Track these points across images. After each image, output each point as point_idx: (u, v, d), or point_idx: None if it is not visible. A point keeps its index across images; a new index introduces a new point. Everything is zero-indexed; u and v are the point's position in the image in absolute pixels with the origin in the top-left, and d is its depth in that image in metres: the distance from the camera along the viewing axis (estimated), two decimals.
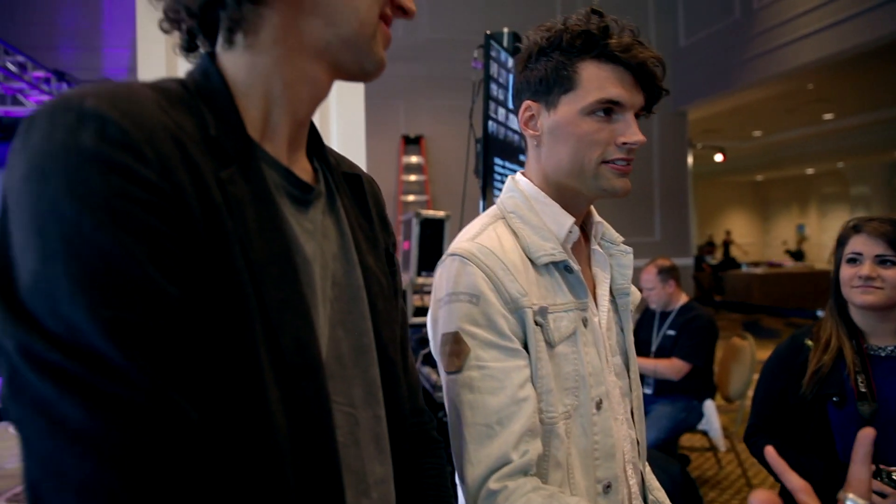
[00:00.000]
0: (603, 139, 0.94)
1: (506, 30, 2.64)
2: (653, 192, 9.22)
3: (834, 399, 1.40)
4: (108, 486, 0.41)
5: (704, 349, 3.23)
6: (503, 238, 0.96)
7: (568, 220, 0.98)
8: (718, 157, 11.70)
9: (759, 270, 10.46)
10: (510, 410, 0.86)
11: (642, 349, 3.41)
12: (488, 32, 2.30)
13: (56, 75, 5.19)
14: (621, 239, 1.11)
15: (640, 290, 3.45)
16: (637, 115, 0.98)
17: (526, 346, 0.90)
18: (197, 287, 0.47)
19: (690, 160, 9.87)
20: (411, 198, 7.83)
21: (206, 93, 0.56)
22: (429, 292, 3.77)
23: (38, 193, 0.42)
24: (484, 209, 2.50)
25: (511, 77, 2.41)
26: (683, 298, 3.40)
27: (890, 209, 15.96)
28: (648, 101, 0.98)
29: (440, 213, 3.39)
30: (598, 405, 0.96)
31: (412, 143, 7.93)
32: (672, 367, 3.19)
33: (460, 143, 2.47)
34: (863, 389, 1.38)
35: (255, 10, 0.57)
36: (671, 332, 3.29)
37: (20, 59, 4.82)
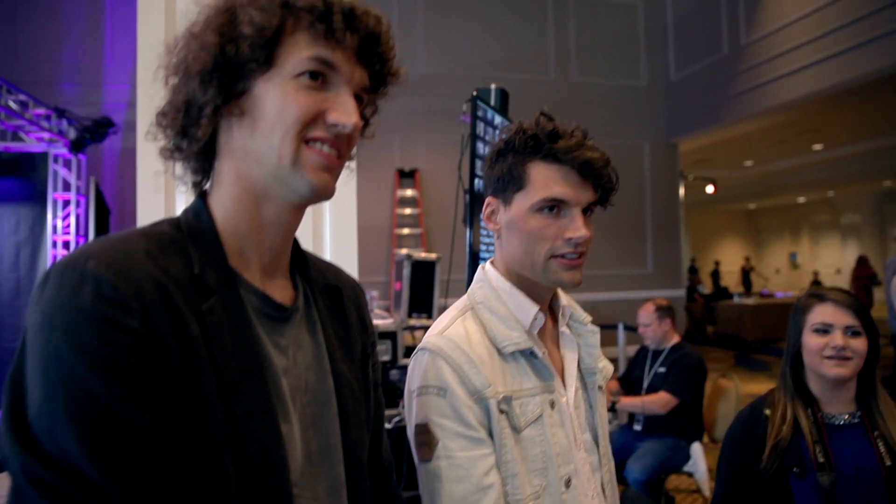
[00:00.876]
0: (550, 235, 1.00)
1: (493, 86, 2.73)
2: (645, 224, 9.32)
3: (795, 470, 1.41)
4: None
5: (692, 386, 3.28)
6: (470, 330, 1.02)
7: (533, 309, 1.04)
8: (710, 189, 11.83)
9: (750, 301, 10.51)
10: (475, 497, 0.92)
11: (635, 387, 3.46)
12: (475, 93, 2.39)
13: (57, 112, 5.28)
14: (588, 319, 1.15)
15: (637, 326, 3.53)
16: (589, 209, 1.03)
17: (491, 434, 0.96)
18: (170, 410, 0.58)
19: (682, 192, 10.00)
20: (406, 231, 7.91)
21: (196, 232, 0.68)
22: (420, 328, 3.83)
23: (46, 342, 0.55)
24: (471, 255, 2.56)
25: (497, 134, 2.50)
26: (676, 338, 3.47)
27: (880, 237, 16.11)
28: (601, 196, 1.03)
29: (431, 256, 3.47)
30: (568, 483, 1.01)
31: (407, 176, 8.03)
32: (659, 401, 3.23)
33: (455, 176, 2.54)
34: (821, 460, 1.39)
35: (209, 162, 0.71)
36: (662, 370, 3.35)
37: (22, 97, 4.91)
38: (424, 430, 0.95)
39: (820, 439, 1.43)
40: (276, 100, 0.66)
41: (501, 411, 0.96)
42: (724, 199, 16.70)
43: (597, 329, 1.15)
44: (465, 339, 1.00)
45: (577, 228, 0.99)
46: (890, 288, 4.91)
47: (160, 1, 2.89)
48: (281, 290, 0.74)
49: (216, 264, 0.66)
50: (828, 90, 6.71)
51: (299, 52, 0.66)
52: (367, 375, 0.85)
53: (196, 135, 0.68)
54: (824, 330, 1.46)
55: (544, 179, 1.00)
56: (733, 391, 3.60)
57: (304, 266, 0.80)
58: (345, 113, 0.67)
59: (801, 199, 18.07)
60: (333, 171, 0.70)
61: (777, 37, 7.29)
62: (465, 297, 1.11)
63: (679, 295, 9.67)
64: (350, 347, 0.81)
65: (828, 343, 1.43)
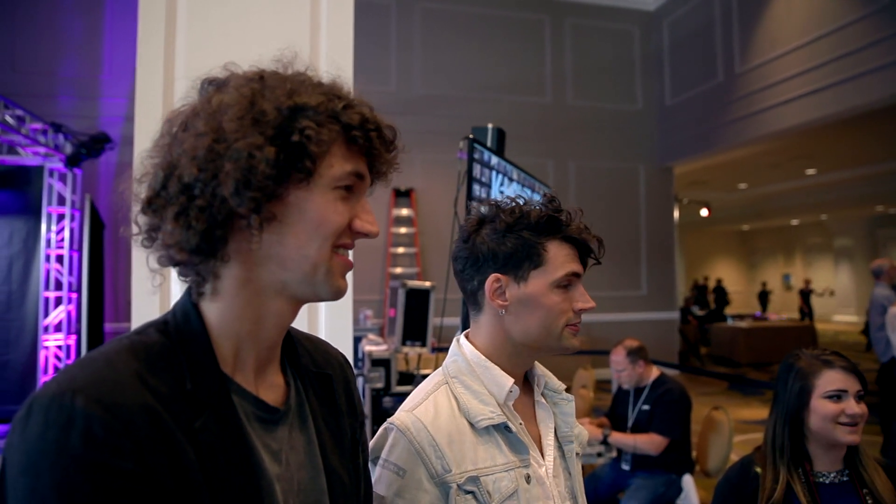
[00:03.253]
0: (567, 307, 1.08)
1: (490, 126, 2.75)
2: (639, 247, 9.36)
3: None
4: None
5: (680, 421, 3.28)
6: (441, 407, 1.05)
7: (507, 382, 1.07)
8: (704, 213, 11.90)
9: (744, 324, 10.53)
10: None
11: (619, 425, 3.45)
12: (471, 136, 2.41)
13: (53, 127, 5.27)
14: (563, 387, 1.19)
15: (613, 372, 3.51)
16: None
17: None
18: None
19: (676, 215, 10.06)
20: (401, 250, 7.91)
21: (186, 337, 0.66)
22: (412, 355, 3.82)
23: (31, 489, 0.52)
24: None
25: (493, 174, 2.51)
26: (655, 373, 3.45)
27: (872, 260, 16.23)
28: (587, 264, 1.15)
29: (426, 284, 3.46)
30: None
31: (402, 195, 8.04)
32: (651, 443, 3.23)
33: (451, 195, 2.53)
34: None
35: (215, 266, 0.66)
36: (646, 408, 3.34)
37: (19, 112, 4.90)
38: (382, 503, 0.99)
39: (813, 499, 1.43)
40: (317, 210, 0.66)
41: (466, 492, 0.98)
42: (719, 221, 16.81)
43: (571, 398, 1.18)
44: (433, 419, 1.03)
45: (587, 301, 1.09)
46: (886, 320, 4.95)
47: (160, 16, 2.89)
48: (274, 390, 0.74)
49: (208, 374, 0.64)
50: (821, 120, 6.79)
51: (340, 165, 0.68)
52: (358, 465, 0.85)
53: (215, 237, 0.64)
54: (838, 396, 1.46)
55: (563, 258, 1.08)
56: (726, 424, 3.60)
57: (294, 354, 0.79)
58: (370, 223, 0.71)
59: (795, 222, 18.21)
60: (346, 270, 0.72)
61: (771, 66, 7.38)
62: (440, 369, 1.14)
63: (673, 317, 9.69)
64: (340, 437, 0.81)
65: (843, 410, 1.44)
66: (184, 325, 0.66)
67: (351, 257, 0.75)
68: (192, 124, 0.65)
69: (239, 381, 0.68)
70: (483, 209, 1.13)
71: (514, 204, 1.11)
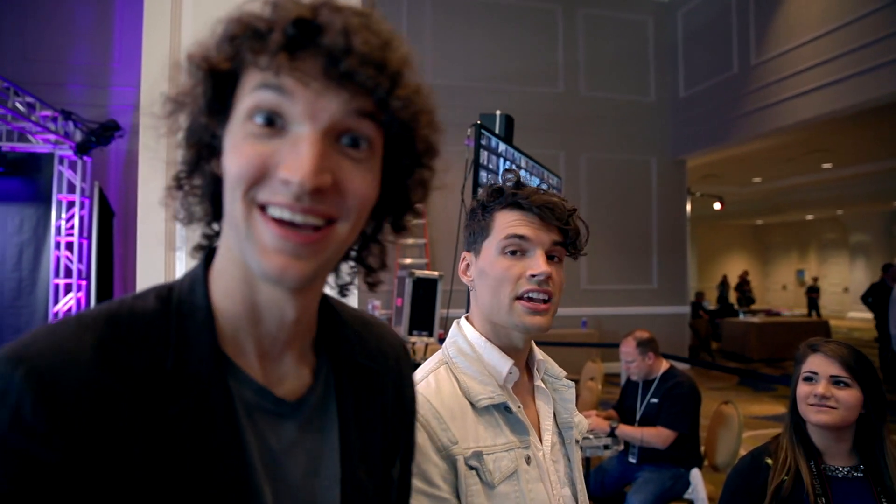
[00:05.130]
0: (513, 275, 1.03)
1: (498, 112, 2.71)
2: (651, 240, 9.27)
3: None
4: None
5: (688, 415, 3.25)
6: (442, 384, 1.04)
7: (507, 364, 1.05)
8: (717, 206, 11.78)
9: (756, 319, 10.42)
10: None
11: (627, 418, 3.42)
12: (479, 122, 2.36)
13: (63, 115, 5.29)
14: (563, 374, 1.17)
15: (622, 363, 3.47)
16: (557, 255, 1.06)
17: (458, 492, 0.96)
18: None
19: (689, 208, 9.95)
20: (409, 241, 7.87)
21: (186, 309, 0.56)
22: (419, 346, 3.80)
23: None
24: None
25: (501, 161, 2.47)
26: (664, 366, 3.41)
27: (889, 257, 16.00)
28: (567, 240, 1.07)
29: (434, 274, 3.44)
30: None
31: None
32: (658, 436, 3.19)
33: (461, 186, 2.49)
34: None
35: (213, 221, 0.60)
36: (654, 401, 3.30)
37: (29, 99, 4.91)
38: None
39: (823, 492, 1.42)
40: (227, 153, 0.53)
41: (471, 468, 0.96)
42: (732, 215, 16.64)
43: (571, 384, 1.17)
44: (436, 393, 1.01)
45: (538, 265, 1.01)
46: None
47: (166, 7, 2.87)
48: (290, 381, 0.61)
49: (201, 352, 0.55)
50: (837, 112, 6.67)
51: (247, 89, 0.52)
52: (390, 476, 0.70)
53: (204, 170, 0.58)
54: (811, 378, 1.50)
55: (507, 222, 1.05)
56: (735, 418, 3.55)
57: (335, 341, 0.66)
58: (295, 163, 0.50)
59: (810, 217, 17.98)
60: (298, 249, 0.52)
61: (787, 58, 7.25)
62: (440, 351, 1.13)
63: (684, 311, 9.60)
64: (375, 444, 0.67)
65: (812, 391, 1.48)
66: (188, 294, 0.58)
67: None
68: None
69: (241, 364, 0.58)
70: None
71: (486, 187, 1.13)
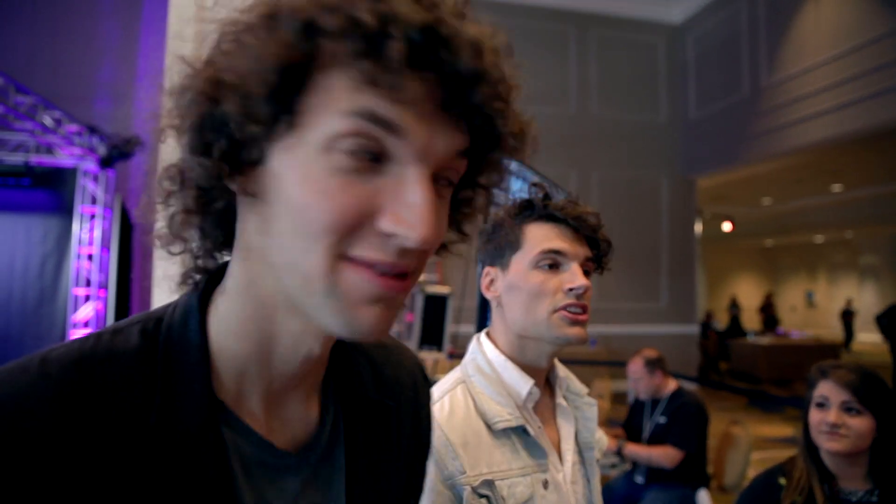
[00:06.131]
0: (550, 289, 1.00)
1: None
2: (660, 259, 9.31)
3: None
4: None
5: (696, 435, 3.27)
6: (457, 407, 1.01)
7: (527, 384, 1.02)
8: (727, 227, 11.78)
9: (765, 341, 10.39)
10: None
11: (635, 436, 3.45)
12: None
13: (88, 129, 5.45)
14: (585, 391, 1.14)
15: (630, 381, 3.50)
16: (588, 270, 1.05)
17: None
18: None
19: (699, 228, 9.99)
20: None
21: (177, 348, 0.48)
22: (429, 361, 3.87)
23: None
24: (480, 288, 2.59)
25: (513, 179, 2.55)
26: (672, 385, 3.44)
27: None
28: (597, 255, 1.06)
29: (444, 290, 3.52)
30: None
31: None
32: (666, 456, 3.22)
33: None
34: None
35: (219, 252, 0.52)
36: (662, 420, 3.33)
37: (56, 114, 5.08)
38: None
39: None
40: (297, 188, 0.42)
41: (481, 496, 0.93)
42: (741, 236, 16.60)
43: (594, 401, 1.13)
44: (448, 418, 0.99)
45: (577, 278, 1.00)
46: None
47: (189, 25, 2.99)
48: (294, 425, 0.54)
49: (193, 401, 0.46)
50: (848, 135, 6.72)
51: (334, 106, 0.41)
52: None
53: (213, 202, 0.48)
54: (822, 405, 1.50)
55: (541, 236, 1.03)
56: (744, 439, 3.58)
57: (347, 377, 0.58)
58: (408, 216, 0.42)
59: (819, 239, 17.92)
60: (395, 299, 0.45)
61: (798, 80, 7.32)
62: (458, 368, 1.10)
63: (692, 331, 9.61)
64: (391, 490, 0.59)
65: (823, 419, 1.48)
66: (179, 329, 0.49)
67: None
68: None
69: (240, 413, 0.50)
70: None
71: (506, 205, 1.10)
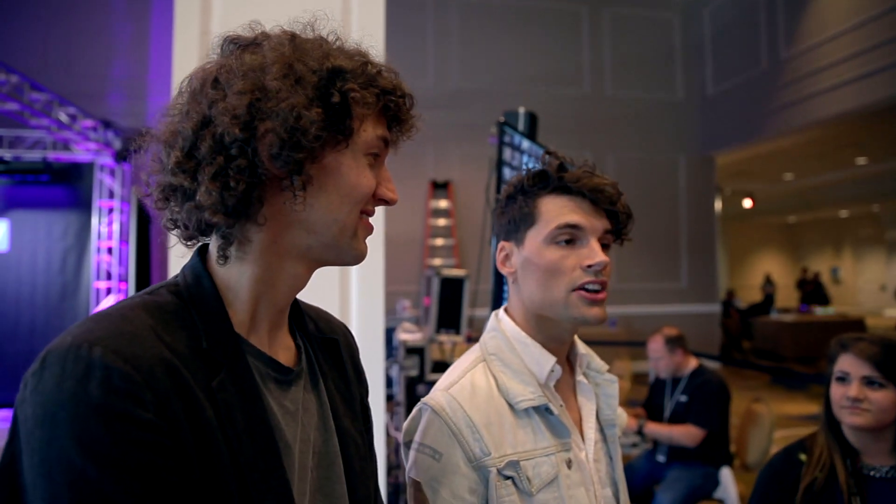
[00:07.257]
0: (568, 266, 0.96)
1: (521, 110, 2.74)
2: (679, 238, 9.19)
3: None
4: None
5: (718, 413, 3.22)
6: (478, 387, 0.98)
7: (549, 361, 0.99)
8: (747, 203, 11.59)
9: (789, 318, 10.23)
10: None
11: (656, 415, 3.41)
12: (502, 120, 2.41)
13: (103, 124, 5.50)
14: (606, 367, 1.11)
15: (651, 360, 3.46)
16: (607, 243, 1.01)
17: (488, 502, 0.92)
18: (189, 497, 0.55)
19: (719, 205, 9.83)
20: (439, 241, 7.97)
21: (197, 299, 0.65)
22: (447, 345, 3.86)
23: (48, 440, 0.50)
24: (495, 270, 2.57)
25: (525, 158, 2.51)
26: (693, 363, 3.39)
27: None
28: (616, 227, 1.01)
29: (460, 272, 3.51)
30: None
31: (440, 187, 8.09)
32: (688, 435, 3.19)
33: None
34: None
35: (248, 229, 0.65)
36: (683, 398, 3.29)
37: (71, 110, 5.13)
38: (418, 488, 0.93)
39: (858, 491, 1.38)
40: (351, 175, 0.67)
41: (506, 477, 0.92)
42: (763, 213, 16.32)
43: (615, 378, 1.10)
44: (470, 398, 0.96)
45: (596, 254, 0.95)
46: None
47: (195, 23, 2.98)
48: (285, 351, 0.73)
49: (222, 334, 0.63)
50: (872, 105, 6.54)
51: (373, 130, 0.68)
52: (370, 429, 0.84)
53: (252, 198, 0.63)
54: (843, 379, 1.46)
55: (556, 209, 0.98)
56: (766, 417, 3.53)
57: (301, 320, 0.79)
58: (392, 190, 0.72)
59: (844, 214, 17.55)
60: (369, 233, 0.73)
61: (819, 51, 7.13)
62: (477, 345, 1.07)
63: (714, 310, 9.50)
64: (351, 402, 0.81)
65: (844, 393, 1.44)
66: (195, 287, 0.66)
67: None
68: (226, 82, 0.62)
69: (253, 342, 0.68)
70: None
71: (518, 175, 1.05)
